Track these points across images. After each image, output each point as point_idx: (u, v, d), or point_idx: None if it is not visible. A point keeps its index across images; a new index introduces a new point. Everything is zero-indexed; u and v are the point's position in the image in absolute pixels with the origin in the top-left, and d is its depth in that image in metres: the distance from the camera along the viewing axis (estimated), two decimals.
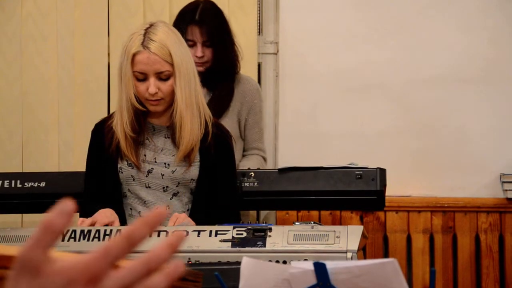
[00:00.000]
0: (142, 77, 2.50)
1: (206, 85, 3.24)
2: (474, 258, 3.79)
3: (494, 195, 3.81)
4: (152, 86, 2.48)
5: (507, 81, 3.85)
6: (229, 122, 3.21)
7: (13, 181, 2.96)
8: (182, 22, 3.23)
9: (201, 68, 3.23)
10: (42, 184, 2.96)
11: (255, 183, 2.90)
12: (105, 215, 2.45)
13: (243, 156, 3.40)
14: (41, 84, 3.76)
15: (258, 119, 3.38)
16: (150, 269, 0.71)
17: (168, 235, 0.71)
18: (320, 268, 1.39)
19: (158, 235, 2.27)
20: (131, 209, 2.60)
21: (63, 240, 2.29)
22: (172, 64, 2.49)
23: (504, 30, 3.85)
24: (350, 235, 2.17)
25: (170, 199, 2.59)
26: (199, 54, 3.22)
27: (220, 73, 3.29)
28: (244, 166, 3.26)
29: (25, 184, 2.96)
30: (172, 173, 2.57)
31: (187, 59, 2.53)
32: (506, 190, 3.78)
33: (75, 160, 3.70)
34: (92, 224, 2.39)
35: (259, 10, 3.88)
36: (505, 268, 3.79)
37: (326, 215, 3.74)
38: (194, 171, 2.58)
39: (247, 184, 2.89)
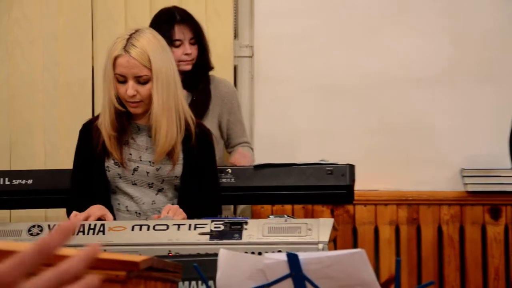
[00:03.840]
0: (122, 79, 2.59)
1: (187, 87, 3.34)
2: (437, 248, 3.84)
3: (455, 188, 3.85)
4: (130, 88, 2.56)
5: (467, 81, 3.90)
6: (209, 123, 3.23)
7: (1, 179, 3.03)
8: (166, 24, 3.24)
9: (189, 67, 3.27)
10: (30, 181, 3.03)
11: (232, 179, 2.97)
12: (97, 208, 2.55)
13: (231, 151, 3.44)
14: (27, 87, 3.78)
15: (239, 117, 3.44)
16: (63, 280, 0.70)
17: (85, 247, 0.74)
18: (293, 259, 1.48)
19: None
20: (119, 203, 2.69)
21: None
22: (150, 69, 2.56)
23: (464, 31, 3.91)
24: (321, 227, 2.23)
25: (156, 194, 2.68)
26: (189, 51, 3.25)
27: (202, 71, 3.33)
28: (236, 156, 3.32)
29: (13, 181, 3.03)
30: (157, 171, 2.66)
31: (167, 65, 2.60)
32: (466, 184, 3.83)
33: (61, 159, 3.72)
34: (86, 219, 2.49)
35: (235, 16, 3.90)
36: (465, 257, 3.85)
37: (299, 208, 3.79)
38: (178, 168, 2.66)
39: (224, 180, 2.95)
